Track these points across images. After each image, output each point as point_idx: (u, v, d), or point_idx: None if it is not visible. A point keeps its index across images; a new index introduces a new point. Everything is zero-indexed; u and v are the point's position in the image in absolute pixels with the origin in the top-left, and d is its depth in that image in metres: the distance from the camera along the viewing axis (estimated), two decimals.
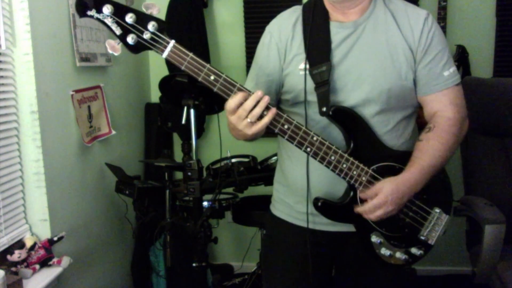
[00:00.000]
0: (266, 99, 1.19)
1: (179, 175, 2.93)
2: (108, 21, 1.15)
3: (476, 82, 2.39)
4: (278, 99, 1.49)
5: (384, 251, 1.38)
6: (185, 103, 2.17)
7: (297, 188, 1.44)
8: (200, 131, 3.04)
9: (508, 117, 2.36)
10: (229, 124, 1.28)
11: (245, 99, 1.19)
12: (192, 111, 2.16)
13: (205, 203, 2.35)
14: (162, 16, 2.81)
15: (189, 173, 2.15)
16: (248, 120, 1.19)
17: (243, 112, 1.19)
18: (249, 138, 1.28)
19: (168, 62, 3.12)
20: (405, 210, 1.37)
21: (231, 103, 1.20)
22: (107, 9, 1.13)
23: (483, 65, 2.91)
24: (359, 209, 1.32)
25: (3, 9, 1.72)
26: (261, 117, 1.21)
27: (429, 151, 1.34)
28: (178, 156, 3.07)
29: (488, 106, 2.32)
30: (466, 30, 2.90)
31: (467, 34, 2.89)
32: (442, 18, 2.75)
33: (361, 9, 1.38)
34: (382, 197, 1.28)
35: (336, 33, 1.37)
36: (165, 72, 2.80)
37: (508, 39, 2.88)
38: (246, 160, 2.42)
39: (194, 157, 2.24)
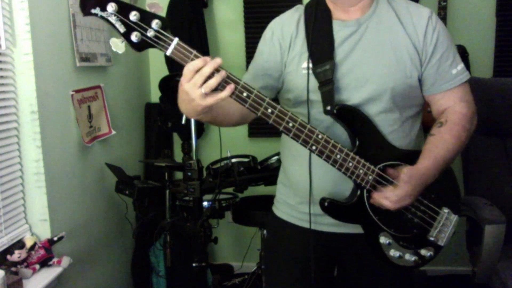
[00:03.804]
0: (223, 73, 1.14)
1: (179, 175, 2.93)
2: (112, 19, 1.14)
3: (476, 82, 2.39)
4: (274, 97, 1.47)
5: (393, 253, 1.36)
6: None
7: (300, 188, 1.43)
8: (200, 131, 3.04)
9: (508, 117, 2.36)
10: (181, 94, 1.19)
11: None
12: None
13: (205, 203, 2.35)
14: (162, 16, 2.81)
15: (189, 173, 2.15)
16: (202, 90, 1.13)
17: (199, 78, 1.12)
18: (200, 112, 1.19)
19: (168, 62, 3.13)
20: (414, 210, 1.36)
21: (189, 66, 1.14)
22: (111, 7, 1.13)
23: (483, 65, 2.91)
24: (376, 195, 1.30)
25: (3, 9, 1.72)
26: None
27: (442, 144, 1.34)
28: (178, 156, 3.07)
29: (488, 106, 2.32)
30: (466, 30, 2.90)
31: (467, 34, 2.89)
32: (442, 18, 2.75)
33: (362, 7, 1.37)
34: (404, 187, 1.28)
35: (339, 31, 1.36)
36: (165, 72, 2.80)
37: (508, 39, 2.88)
38: (246, 160, 2.42)
39: (194, 157, 2.25)
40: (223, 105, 1.24)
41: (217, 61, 1.13)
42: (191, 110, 1.21)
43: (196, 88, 1.13)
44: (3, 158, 1.75)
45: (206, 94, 1.14)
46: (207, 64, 1.13)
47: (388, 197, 1.29)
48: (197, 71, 1.13)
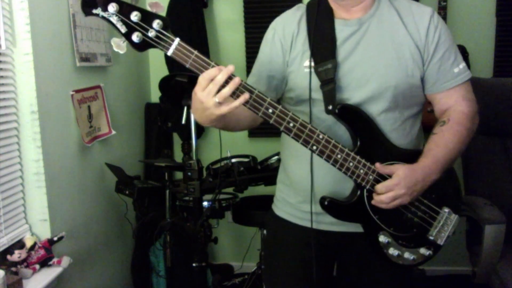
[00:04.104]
0: (237, 81, 1.15)
1: (179, 175, 2.93)
2: (114, 19, 1.14)
3: (476, 82, 2.39)
4: (279, 97, 1.47)
5: (393, 251, 1.37)
6: (185, 103, 2.17)
7: (301, 188, 1.43)
8: (200, 131, 3.04)
9: (508, 117, 2.36)
10: (195, 103, 1.21)
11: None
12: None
13: (205, 203, 2.35)
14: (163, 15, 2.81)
15: (189, 173, 2.15)
16: (216, 99, 1.15)
17: (214, 88, 1.15)
18: (214, 120, 1.22)
19: (168, 61, 3.13)
20: (414, 210, 1.36)
21: (204, 75, 1.15)
22: (112, 7, 1.13)
23: (483, 65, 2.91)
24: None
25: (3, 9, 1.72)
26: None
27: (444, 143, 1.34)
28: (178, 156, 3.07)
29: (488, 106, 2.32)
30: (466, 30, 2.90)
31: (467, 34, 2.89)
32: (442, 18, 2.74)
33: (364, 6, 1.38)
34: (395, 178, 1.28)
35: (341, 30, 1.36)
36: (165, 72, 2.80)
37: (508, 39, 2.88)
38: (246, 160, 2.42)
39: (194, 157, 2.25)
40: (235, 112, 1.24)
41: (230, 68, 1.15)
42: (205, 118, 1.23)
43: (211, 97, 1.15)
44: (3, 158, 1.75)
45: (220, 103, 1.15)
46: (221, 73, 1.14)
47: (377, 190, 1.29)
48: (212, 80, 1.14)
